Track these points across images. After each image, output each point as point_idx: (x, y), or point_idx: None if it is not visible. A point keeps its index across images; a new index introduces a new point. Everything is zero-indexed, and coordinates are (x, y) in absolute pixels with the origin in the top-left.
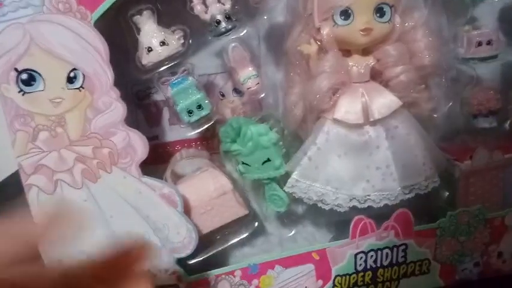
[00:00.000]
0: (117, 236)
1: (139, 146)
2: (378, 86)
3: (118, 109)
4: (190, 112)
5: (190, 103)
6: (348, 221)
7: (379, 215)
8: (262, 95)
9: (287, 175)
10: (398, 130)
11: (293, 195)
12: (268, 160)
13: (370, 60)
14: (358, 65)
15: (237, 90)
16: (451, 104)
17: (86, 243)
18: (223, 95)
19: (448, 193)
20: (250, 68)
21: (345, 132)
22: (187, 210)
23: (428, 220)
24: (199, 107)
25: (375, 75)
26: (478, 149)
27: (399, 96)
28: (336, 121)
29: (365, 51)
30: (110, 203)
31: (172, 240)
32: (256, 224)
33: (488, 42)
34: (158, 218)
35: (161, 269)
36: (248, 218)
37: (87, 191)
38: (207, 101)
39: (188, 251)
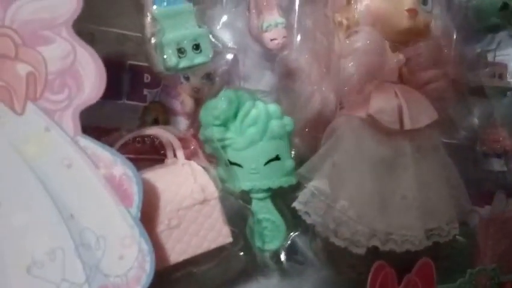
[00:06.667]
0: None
1: (90, 76)
2: (412, 89)
3: None
4: (181, 51)
5: (183, 36)
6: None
7: (398, 263)
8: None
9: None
10: (430, 151)
11: (302, 217)
12: (277, 158)
13: (400, 57)
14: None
15: (209, 76)
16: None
17: None
18: (187, 78)
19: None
20: (277, 13)
21: (378, 139)
22: (141, 219)
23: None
24: (197, 47)
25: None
26: (497, 192)
27: None
28: (368, 120)
29: (394, 47)
30: (3, 173)
31: (106, 270)
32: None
33: (500, 76)
34: (92, 222)
35: None
36: (232, 249)
37: None
38: (208, 44)
39: None
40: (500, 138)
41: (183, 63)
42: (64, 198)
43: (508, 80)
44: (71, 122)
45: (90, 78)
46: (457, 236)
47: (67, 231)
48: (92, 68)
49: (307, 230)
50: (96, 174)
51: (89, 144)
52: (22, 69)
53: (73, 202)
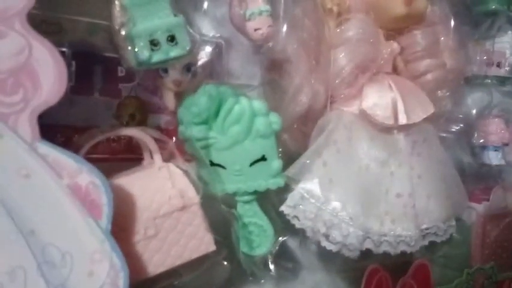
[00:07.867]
0: None
1: (48, 74)
2: (407, 81)
3: None
4: (154, 43)
5: (156, 27)
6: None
7: (393, 265)
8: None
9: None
10: (425, 146)
11: (291, 221)
12: (263, 159)
13: (394, 46)
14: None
15: (190, 68)
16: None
17: None
18: (165, 71)
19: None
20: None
21: (371, 135)
22: (114, 229)
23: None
24: (171, 39)
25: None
26: (496, 188)
27: None
28: (360, 116)
29: (388, 36)
30: None
31: None
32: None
33: (498, 64)
34: (56, 237)
35: None
36: (215, 258)
37: None
38: (185, 34)
39: None
40: (498, 130)
41: (157, 57)
42: (23, 213)
43: (506, 68)
44: (28, 126)
45: (48, 77)
46: (453, 235)
47: (27, 248)
48: (51, 65)
49: (297, 233)
50: (59, 185)
51: (50, 151)
52: None
53: (33, 216)
